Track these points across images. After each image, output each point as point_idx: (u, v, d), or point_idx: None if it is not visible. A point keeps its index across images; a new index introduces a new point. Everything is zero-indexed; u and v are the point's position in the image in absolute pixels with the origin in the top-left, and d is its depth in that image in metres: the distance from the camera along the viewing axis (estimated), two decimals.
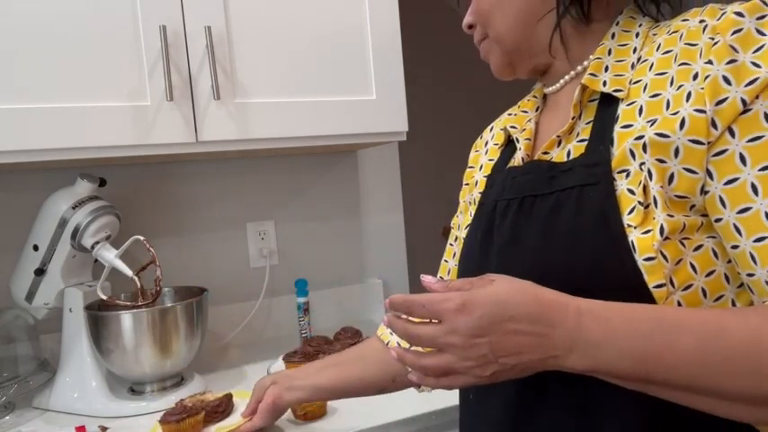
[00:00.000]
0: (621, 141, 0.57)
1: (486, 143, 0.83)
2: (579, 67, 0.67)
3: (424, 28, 3.14)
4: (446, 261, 0.88)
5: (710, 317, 0.49)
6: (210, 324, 1.47)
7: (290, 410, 1.04)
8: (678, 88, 0.54)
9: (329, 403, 1.05)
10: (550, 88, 0.71)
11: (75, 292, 1.16)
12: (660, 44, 0.58)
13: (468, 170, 0.85)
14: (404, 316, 0.55)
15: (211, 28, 1.13)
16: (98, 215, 1.15)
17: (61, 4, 1.04)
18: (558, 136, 0.64)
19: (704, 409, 0.50)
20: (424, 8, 3.17)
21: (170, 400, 1.09)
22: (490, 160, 0.78)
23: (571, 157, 0.62)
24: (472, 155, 0.86)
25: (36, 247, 1.17)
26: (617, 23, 0.64)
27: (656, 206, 0.53)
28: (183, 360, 1.16)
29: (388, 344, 0.87)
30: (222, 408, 1.02)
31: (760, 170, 0.50)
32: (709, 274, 0.53)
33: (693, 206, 0.53)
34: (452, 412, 1.05)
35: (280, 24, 1.21)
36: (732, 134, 0.51)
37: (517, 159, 0.70)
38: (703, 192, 0.53)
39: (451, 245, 0.87)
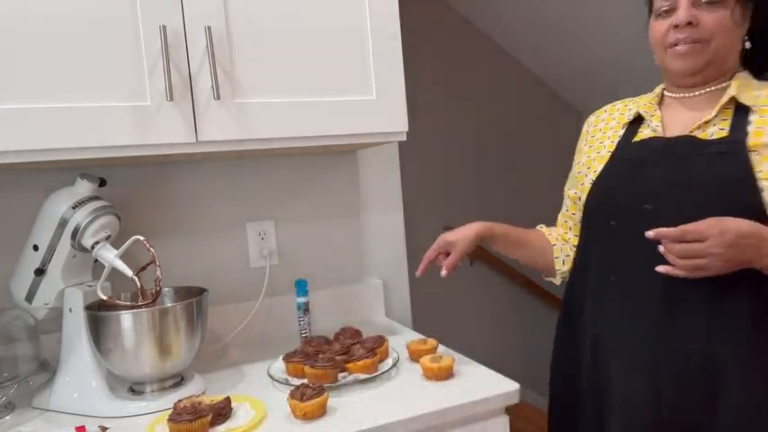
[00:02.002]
0: (757, 136, 0.96)
1: (603, 120, 1.21)
2: (710, 89, 1.06)
3: (424, 28, 3.14)
4: (566, 210, 1.29)
5: None
6: (210, 324, 1.47)
7: (289, 410, 1.04)
8: None
9: (329, 403, 1.05)
10: (684, 95, 1.09)
11: (75, 292, 1.16)
12: None
13: (589, 139, 1.22)
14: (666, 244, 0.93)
15: (211, 28, 1.13)
16: (98, 215, 1.15)
17: (61, 5, 1.04)
18: (702, 125, 1.03)
19: None
20: (424, 8, 3.17)
21: (170, 400, 1.09)
22: (614, 132, 1.16)
23: (714, 137, 1.00)
24: (588, 129, 1.24)
25: (36, 247, 1.17)
26: (737, 73, 1.06)
27: None
28: (183, 360, 1.16)
29: (547, 234, 1.30)
30: (225, 411, 1.02)
31: None
32: None
33: None
34: (451, 412, 1.05)
35: (280, 24, 1.21)
36: None
37: (651, 134, 1.09)
38: None
39: (571, 196, 1.26)
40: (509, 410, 1.12)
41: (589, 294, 1.12)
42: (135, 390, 1.17)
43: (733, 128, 0.99)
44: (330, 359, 1.15)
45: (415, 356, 1.26)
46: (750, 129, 0.97)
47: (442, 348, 1.30)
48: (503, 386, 1.11)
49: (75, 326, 1.16)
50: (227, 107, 1.16)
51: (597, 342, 1.09)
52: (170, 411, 0.99)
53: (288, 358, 1.22)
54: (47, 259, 1.16)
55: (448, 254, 1.19)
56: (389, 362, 1.23)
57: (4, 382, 1.12)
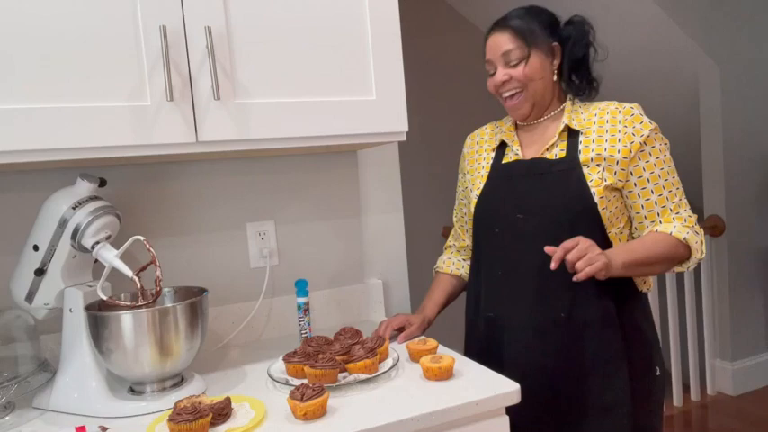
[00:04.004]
0: (585, 153, 1.27)
1: (477, 143, 1.49)
2: (549, 116, 1.36)
3: (424, 28, 3.14)
4: (459, 214, 1.54)
5: (648, 237, 1.25)
6: (210, 324, 1.47)
7: (290, 410, 1.04)
8: (611, 135, 1.26)
9: (329, 403, 1.05)
10: (533, 122, 1.37)
11: (75, 293, 1.16)
12: (596, 113, 1.30)
13: (469, 159, 1.48)
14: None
15: (211, 28, 1.13)
16: (98, 215, 1.15)
17: (61, 4, 1.04)
18: (548, 147, 1.32)
19: (647, 273, 1.25)
20: (424, 8, 3.17)
21: (170, 401, 1.09)
22: (488, 155, 1.44)
23: (557, 158, 1.30)
24: (467, 150, 1.51)
25: (36, 248, 1.17)
26: (571, 99, 1.36)
27: (602, 179, 1.25)
28: (183, 360, 1.16)
29: (451, 272, 1.53)
30: (225, 411, 1.02)
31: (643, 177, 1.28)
32: (623, 211, 1.30)
33: (614, 183, 1.26)
34: (451, 413, 1.05)
35: (280, 24, 1.21)
36: (634, 159, 1.26)
37: (515, 157, 1.37)
38: (619, 180, 1.26)
39: (461, 201, 1.54)
40: (509, 410, 1.12)
41: (482, 286, 1.38)
42: (135, 390, 1.17)
43: (569, 149, 1.29)
44: (330, 359, 1.15)
45: (415, 357, 1.26)
46: (580, 148, 1.28)
47: (442, 348, 1.30)
48: (503, 386, 1.11)
49: (76, 326, 1.16)
50: (227, 107, 1.16)
51: (489, 323, 1.36)
52: (170, 411, 0.99)
53: (288, 358, 1.22)
54: (47, 259, 1.16)
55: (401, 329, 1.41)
56: (390, 362, 1.23)
57: (4, 382, 1.12)
